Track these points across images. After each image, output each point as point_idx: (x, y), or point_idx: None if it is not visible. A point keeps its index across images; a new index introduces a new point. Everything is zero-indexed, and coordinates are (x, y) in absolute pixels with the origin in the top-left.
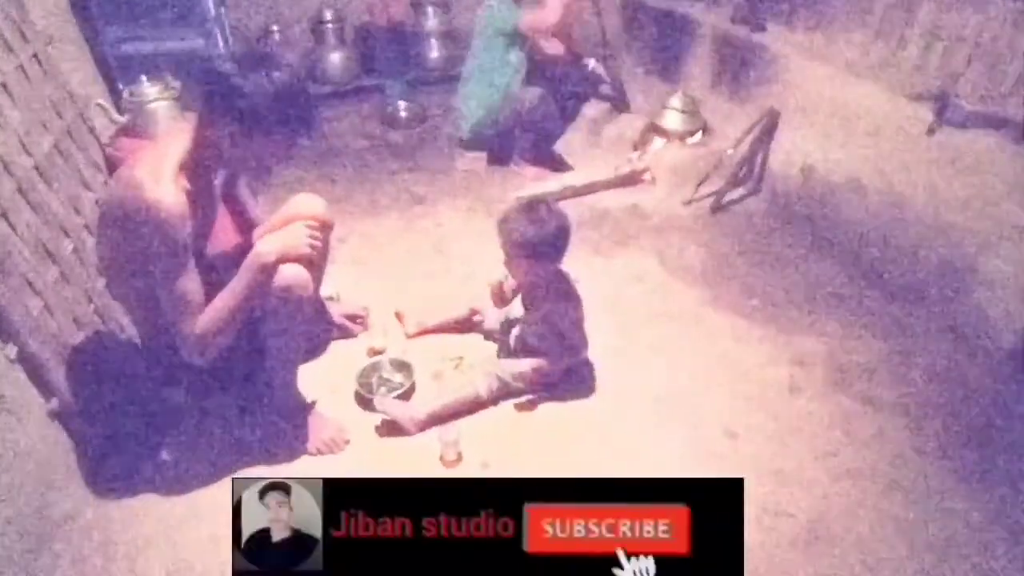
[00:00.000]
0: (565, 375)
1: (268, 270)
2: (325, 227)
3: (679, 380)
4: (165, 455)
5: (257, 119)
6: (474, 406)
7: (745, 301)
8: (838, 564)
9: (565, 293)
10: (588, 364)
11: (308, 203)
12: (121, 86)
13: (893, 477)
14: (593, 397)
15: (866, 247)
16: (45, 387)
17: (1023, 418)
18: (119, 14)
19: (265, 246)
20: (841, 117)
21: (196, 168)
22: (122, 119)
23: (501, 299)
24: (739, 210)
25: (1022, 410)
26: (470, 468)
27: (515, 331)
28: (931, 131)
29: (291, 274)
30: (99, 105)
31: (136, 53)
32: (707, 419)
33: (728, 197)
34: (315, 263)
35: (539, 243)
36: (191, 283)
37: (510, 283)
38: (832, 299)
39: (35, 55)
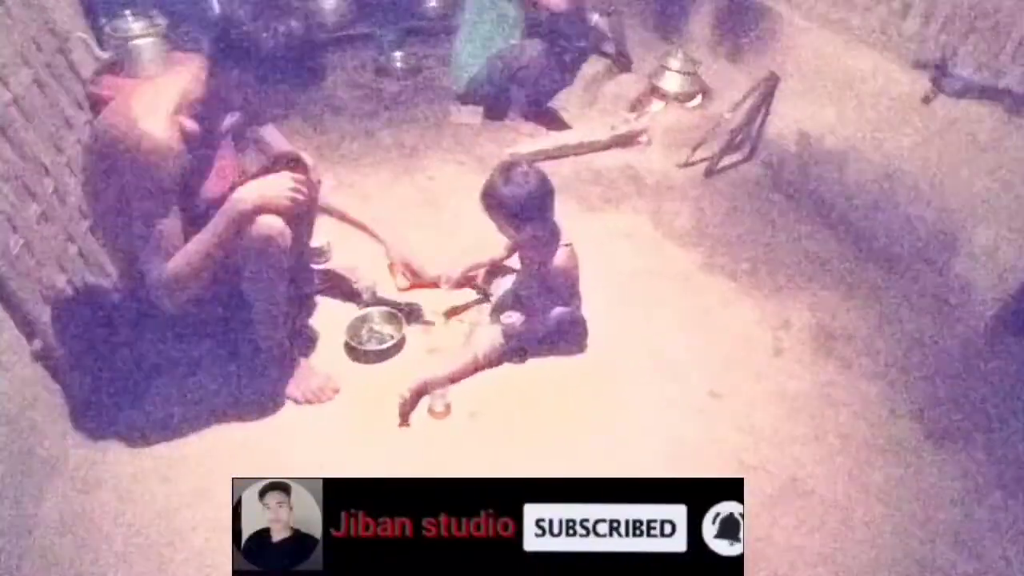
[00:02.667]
0: (557, 330)
1: (245, 217)
2: (312, 183)
3: (666, 338)
4: (150, 401)
5: (269, 68)
6: (473, 370)
7: (734, 265)
8: (816, 521)
9: (556, 250)
10: (581, 321)
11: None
12: (103, 21)
13: (869, 438)
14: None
15: (856, 215)
16: (27, 328)
17: (997, 383)
18: None
19: (243, 193)
20: (839, 83)
21: (197, 111)
22: (104, 55)
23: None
24: (734, 175)
25: (996, 376)
26: (458, 419)
27: (508, 285)
28: (927, 100)
29: (268, 224)
30: (80, 38)
31: None
32: (692, 378)
33: (723, 162)
34: (300, 216)
35: (520, 205)
36: (170, 225)
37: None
38: (820, 265)
39: None
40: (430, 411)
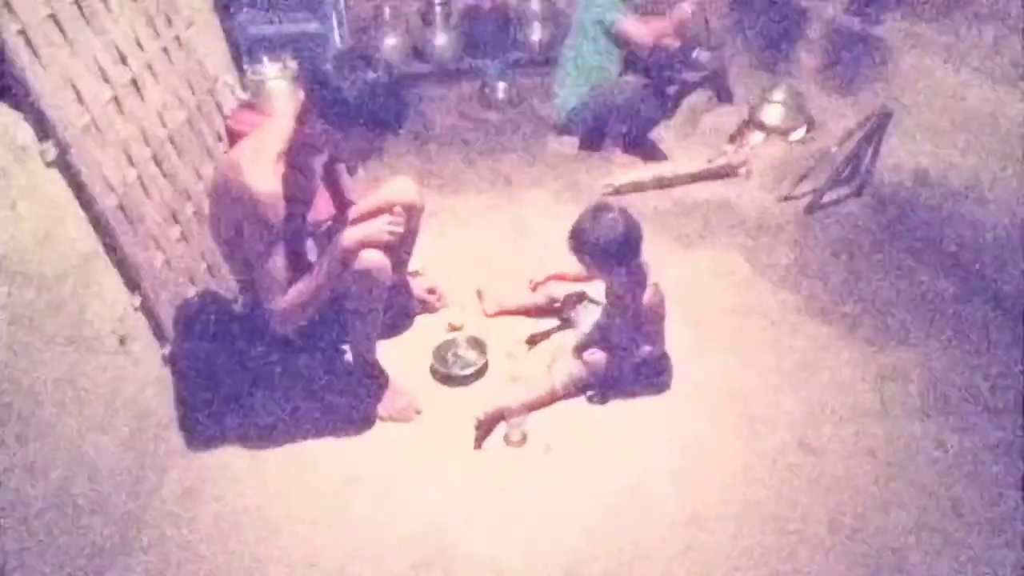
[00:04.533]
0: (640, 370)
1: (349, 255)
2: (415, 211)
3: (756, 384)
4: (255, 409)
5: (352, 117)
6: (549, 401)
7: (834, 308)
8: None
9: (643, 291)
10: (666, 361)
11: (401, 188)
12: (245, 65)
13: (989, 519)
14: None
15: (979, 261)
16: (161, 334)
17: None
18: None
19: (347, 234)
20: (960, 119)
21: (296, 153)
22: (244, 95)
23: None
24: (838, 213)
25: None
26: (533, 450)
27: (593, 318)
28: None
29: (370, 259)
30: (226, 83)
31: (262, 35)
32: (784, 429)
33: (828, 197)
34: (398, 248)
35: (608, 250)
36: (278, 262)
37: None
38: (935, 315)
39: (176, 37)
40: (506, 439)
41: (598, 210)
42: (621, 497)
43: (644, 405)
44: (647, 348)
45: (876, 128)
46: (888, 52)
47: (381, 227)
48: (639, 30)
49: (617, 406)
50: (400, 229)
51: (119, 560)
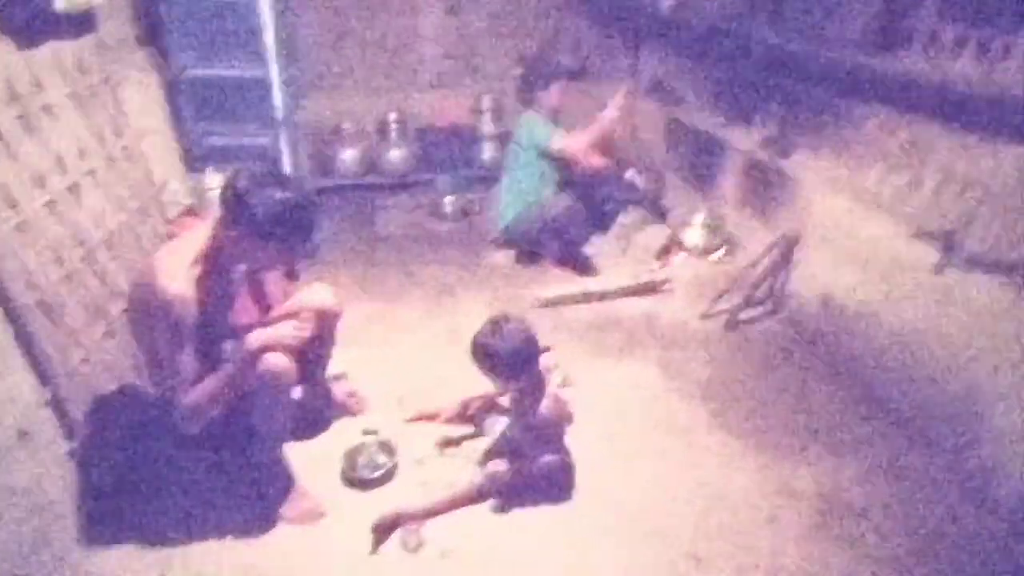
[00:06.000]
0: (542, 477)
1: (251, 356)
2: (330, 316)
3: (655, 495)
4: (158, 507)
5: (260, 231)
6: (449, 507)
7: (742, 423)
8: None
9: (541, 401)
10: (569, 469)
11: (317, 294)
12: (189, 175)
13: None
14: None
15: (877, 381)
16: (69, 429)
17: None
18: (205, 112)
19: (251, 337)
20: (856, 247)
21: (214, 259)
22: (187, 202)
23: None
24: (755, 330)
25: None
26: (429, 556)
27: (502, 431)
28: (938, 270)
29: (273, 361)
30: (174, 190)
31: (213, 145)
32: (676, 540)
33: (744, 315)
34: (309, 352)
35: (506, 359)
36: (185, 360)
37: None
38: (834, 431)
39: (124, 147)
40: (403, 544)
41: (497, 321)
42: None
43: (544, 514)
44: (548, 457)
45: (785, 251)
46: (795, 183)
47: (286, 330)
48: (576, 141)
49: (517, 514)
50: (305, 333)
51: None
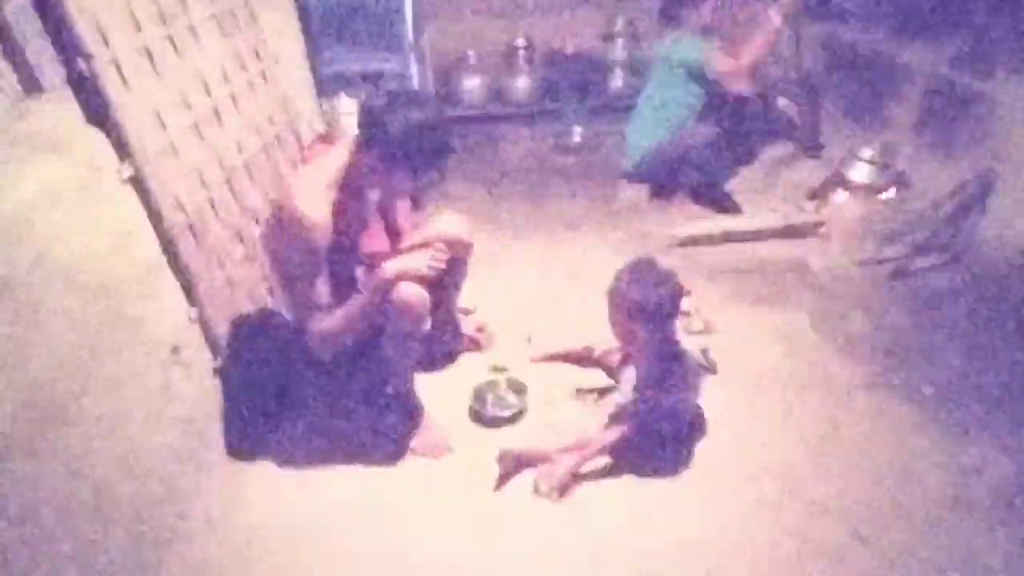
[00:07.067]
0: (654, 449)
1: (387, 286)
2: (463, 247)
3: (812, 464)
4: (295, 431)
5: (397, 151)
6: (583, 457)
7: (912, 387)
8: None
9: (672, 366)
10: (701, 428)
11: (451, 225)
12: (322, 100)
13: None
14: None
15: None
16: (214, 347)
17: None
18: (335, 37)
19: (386, 265)
20: None
21: (348, 184)
22: (320, 127)
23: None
24: (927, 281)
25: None
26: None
27: (623, 391)
28: None
29: (408, 292)
30: (306, 115)
31: (345, 71)
32: (843, 516)
33: (916, 264)
34: (441, 283)
35: (643, 310)
36: (319, 286)
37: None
38: None
39: (263, 71)
40: (535, 488)
41: (640, 267)
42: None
43: (672, 485)
44: (680, 414)
45: (978, 193)
46: (997, 111)
47: (422, 260)
48: (737, 59)
49: (651, 478)
50: (441, 264)
51: (158, 557)
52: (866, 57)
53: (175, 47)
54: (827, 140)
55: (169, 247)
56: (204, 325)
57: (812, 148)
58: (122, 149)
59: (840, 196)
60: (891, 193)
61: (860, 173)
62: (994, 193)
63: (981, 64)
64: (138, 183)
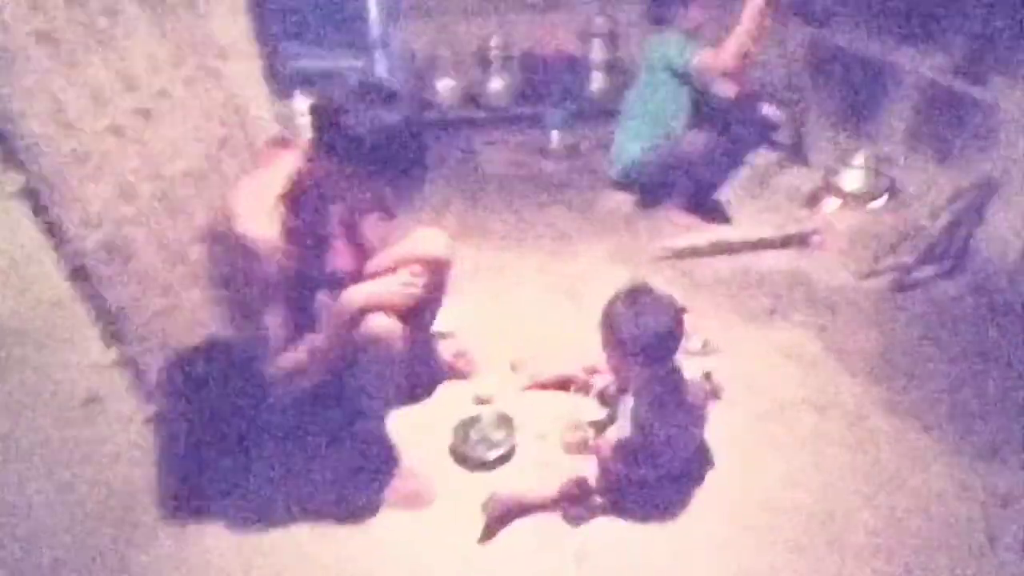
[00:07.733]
0: (659, 489)
1: (353, 318)
2: (441, 267)
3: (826, 494)
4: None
5: (361, 158)
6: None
7: (927, 408)
8: None
9: (674, 396)
10: (707, 461)
11: (428, 242)
12: (275, 101)
13: None
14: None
15: None
16: (145, 392)
17: None
18: (293, 30)
19: (351, 293)
20: None
21: (301, 198)
22: (275, 130)
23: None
24: (931, 292)
25: None
26: (556, 555)
27: (621, 426)
28: None
29: (377, 324)
30: (257, 117)
31: (303, 68)
32: (861, 553)
33: (917, 275)
34: (417, 310)
35: (642, 344)
36: (275, 318)
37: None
38: None
39: (204, 66)
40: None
41: (635, 295)
42: None
43: (690, 517)
44: (684, 448)
45: (977, 200)
46: (996, 118)
47: (394, 286)
48: (721, 54)
49: (652, 522)
50: (417, 290)
51: None
52: (856, 61)
53: (88, 30)
54: (817, 147)
55: (78, 273)
56: (130, 366)
57: (798, 155)
58: (8, 154)
59: (832, 204)
60: (883, 200)
61: (851, 180)
62: (993, 201)
63: (976, 69)
64: (30, 195)
